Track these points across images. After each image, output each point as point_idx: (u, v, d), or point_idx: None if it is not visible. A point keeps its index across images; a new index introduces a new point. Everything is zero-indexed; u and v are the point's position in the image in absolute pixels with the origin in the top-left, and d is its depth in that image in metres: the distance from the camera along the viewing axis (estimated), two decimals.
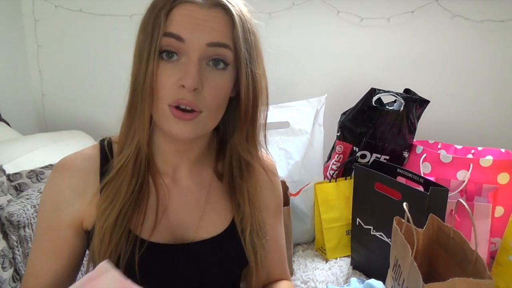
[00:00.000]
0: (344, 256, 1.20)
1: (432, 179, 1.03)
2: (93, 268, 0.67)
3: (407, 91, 1.31)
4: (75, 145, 1.37)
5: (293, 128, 1.36)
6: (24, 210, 1.03)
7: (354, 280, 1.00)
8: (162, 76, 0.58)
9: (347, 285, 0.92)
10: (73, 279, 0.68)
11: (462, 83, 1.45)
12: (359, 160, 1.28)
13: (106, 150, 0.67)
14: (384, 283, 0.78)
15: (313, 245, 1.29)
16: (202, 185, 0.71)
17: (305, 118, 1.36)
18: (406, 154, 1.28)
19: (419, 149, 1.23)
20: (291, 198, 1.20)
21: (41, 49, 1.80)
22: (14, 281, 1.00)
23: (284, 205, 0.86)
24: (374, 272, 1.04)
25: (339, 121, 1.35)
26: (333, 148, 1.37)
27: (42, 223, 0.66)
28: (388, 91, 1.25)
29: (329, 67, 1.56)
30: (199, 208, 0.70)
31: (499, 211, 1.08)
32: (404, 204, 0.70)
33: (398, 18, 1.45)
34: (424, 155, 1.18)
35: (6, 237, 1.02)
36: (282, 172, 1.27)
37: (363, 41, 1.50)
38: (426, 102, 1.27)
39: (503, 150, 1.16)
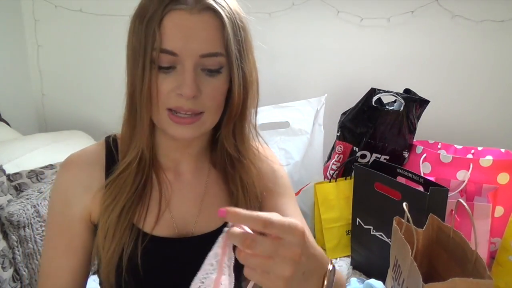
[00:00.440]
0: (344, 256, 1.20)
1: (432, 179, 1.03)
2: (98, 263, 0.67)
3: (407, 91, 1.32)
4: (75, 145, 1.37)
5: (293, 128, 1.36)
6: (24, 210, 1.03)
7: (354, 280, 1.00)
8: (159, 85, 0.58)
9: (347, 285, 0.92)
10: (86, 277, 0.69)
11: (462, 83, 1.45)
12: (359, 160, 1.28)
13: (111, 146, 0.69)
14: (384, 283, 0.78)
15: None
16: (202, 178, 0.72)
17: (305, 118, 1.36)
18: (406, 154, 1.28)
19: (419, 149, 1.23)
20: None
21: (41, 49, 1.80)
22: (14, 281, 1.00)
23: None
24: (374, 272, 1.05)
25: (339, 121, 1.35)
26: (333, 148, 1.37)
27: (53, 222, 0.67)
28: (388, 91, 1.25)
29: (329, 67, 1.56)
30: (199, 202, 0.71)
31: (499, 211, 1.08)
32: (404, 204, 0.70)
33: (398, 18, 1.45)
34: (424, 155, 1.18)
35: (6, 237, 1.02)
36: None
37: (363, 41, 1.50)
38: (426, 102, 1.27)
39: (503, 150, 1.16)
